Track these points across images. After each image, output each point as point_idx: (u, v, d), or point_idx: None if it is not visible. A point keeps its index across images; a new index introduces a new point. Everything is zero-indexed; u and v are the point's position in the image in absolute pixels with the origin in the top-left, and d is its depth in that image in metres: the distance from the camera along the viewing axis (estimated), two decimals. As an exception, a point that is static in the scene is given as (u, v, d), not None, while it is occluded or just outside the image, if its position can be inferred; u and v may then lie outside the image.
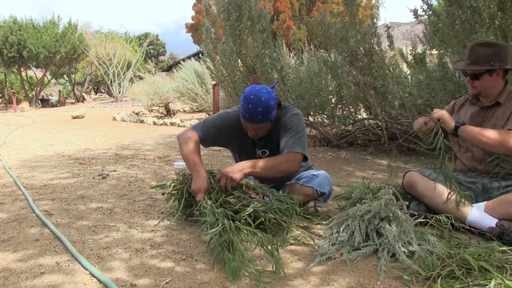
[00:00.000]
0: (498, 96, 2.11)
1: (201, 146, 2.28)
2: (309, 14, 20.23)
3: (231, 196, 2.01)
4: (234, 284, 1.50)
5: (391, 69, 4.18)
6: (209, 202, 1.94)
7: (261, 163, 2.11)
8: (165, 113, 9.67)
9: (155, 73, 16.78)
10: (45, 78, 19.83)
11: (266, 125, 2.18)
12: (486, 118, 2.14)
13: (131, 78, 18.96)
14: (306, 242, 1.89)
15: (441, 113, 2.07)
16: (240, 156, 2.38)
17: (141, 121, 8.60)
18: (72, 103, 19.55)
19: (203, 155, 2.30)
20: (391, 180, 2.84)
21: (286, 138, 2.16)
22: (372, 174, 3.45)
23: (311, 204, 2.34)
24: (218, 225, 1.76)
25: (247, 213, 1.91)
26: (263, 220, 1.93)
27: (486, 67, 2.05)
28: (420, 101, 4.08)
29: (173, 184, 2.20)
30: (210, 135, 2.28)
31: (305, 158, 2.19)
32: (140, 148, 4.96)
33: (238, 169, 2.06)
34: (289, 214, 1.99)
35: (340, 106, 4.78)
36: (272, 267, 1.61)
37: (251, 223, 1.89)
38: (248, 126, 2.17)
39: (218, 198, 2.00)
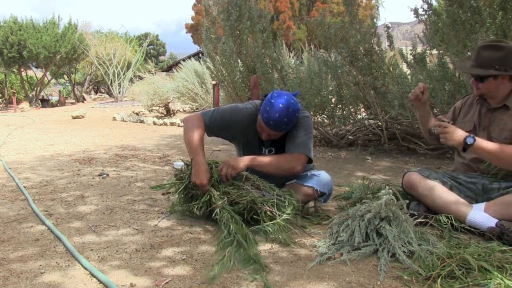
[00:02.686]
0: (506, 99, 2.07)
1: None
2: (309, 14, 20.24)
3: (231, 187, 2.03)
4: (235, 284, 1.50)
5: (391, 69, 4.18)
6: (216, 193, 1.99)
7: (264, 158, 2.14)
8: (165, 113, 9.67)
9: (155, 73, 16.77)
10: (45, 78, 19.82)
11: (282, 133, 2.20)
12: (493, 120, 2.10)
13: (131, 78, 18.96)
14: (306, 243, 1.89)
15: (445, 133, 1.95)
16: (245, 152, 2.37)
17: (141, 121, 8.60)
18: (72, 103, 19.55)
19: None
20: (391, 180, 2.84)
21: (292, 140, 2.18)
22: (372, 174, 3.44)
23: (311, 204, 2.34)
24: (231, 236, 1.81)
25: (244, 201, 1.93)
26: (258, 212, 1.94)
27: (490, 71, 2.00)
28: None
29: (176, 173, 2.22)
30: (216, 126, 2.26)
31: (309, 161, 2.20)
32: (140, 148, 4.96)
33: (241, 160, 2.10)
34: (285, 209, 1.99)
35: (340, 106, 4.77)
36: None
37: (245, 214, 1.96)
38: (266, 130, 2.16)
39: (218, 188, 2.04)
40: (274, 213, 1.95)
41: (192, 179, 2.08)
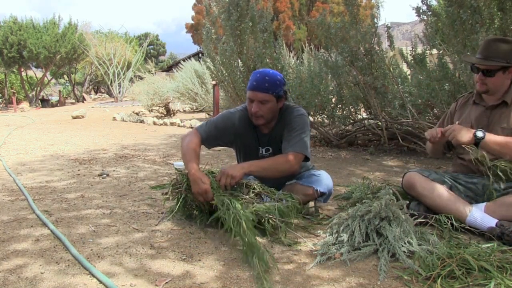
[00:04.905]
0: (504, 95, 2.07)
1: (204, 147, 2.30)
2: (309, 14, 20.23)
3: (230, 197, 2.01)
4: (235, 284, 1.50)
5: (391, 69, 4.18)
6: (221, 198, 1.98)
7: (261, 163, 2.12)
8: (165, 113, 9.67)
9: (155, 73, 16.78)
10: (45, 78, 19.82)
11: (270, 101, 2.15)
12: (492, 119, 2.09)
13: (131, 78, 18.96)
14: (306, 243, 1.89)
15: (455, 136, 1.96)
16: (243, 154, 2.38)
17: (141, 121, 8.60)
18: (72, 103, 19.54)
19: (204, 155, 2.30)
20: (390, 180, 2.84)
21: (288, 138, 2.18)
22: (372, 174, 3.44)
23: (311, 204, 2.34)
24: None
25: (248, 215, 1.91)
26: (262, 221, 1.93)
27: (501, 63, 2.00)
28: (420, 101, 4.08)
29: (172, 183, 2.20)
30: (213, 136, 2.28)
31: (306, 159, 2.19)
32: (140, 148, 4.96)
33: (238, 168, 2.08)
34: (290, 215, 1.98)
35: (340, 106, 4.78)
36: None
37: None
38: (254, 98, 2.15)
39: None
40: (279, 221, 1.93)
41: (193, 190, 2.03)
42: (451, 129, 2.00)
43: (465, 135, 1.95)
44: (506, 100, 2.07)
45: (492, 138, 1.96)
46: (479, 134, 1.94)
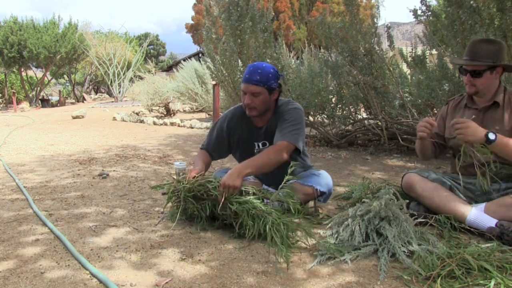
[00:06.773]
0: (495, 96, 2.07)
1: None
2: (309, 14, 20.24)
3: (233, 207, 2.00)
4: (235, 284, 1.50)
5: (391, 69, 4.18)
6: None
7: (254, 161, 2.11)
8: (165, 113, 9.67)
9: (155, 73, 16.78)
10: (45, 78, 19.81)
11: (262, 93, 2.19)
12: (485, 121, 2.07)
13: (131, 78, 18.97)
14: (306, 243, 1.89)
15: (466, 128, 1.89)
16: (240, 151, 2.41)
17: (141, 121, 8.60)
18: (72, 103, 19.55)
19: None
20: (391, 180, 2.84)
21: (280, 129, 2.21)
22: (372, 174, 3.44)
23: (311, 204, 2.34)
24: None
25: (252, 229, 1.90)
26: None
27: (488, 63, 2.00)
28: (420, 101, 4.08)
29: (171, 190, 2.19)
30: (215, 144, 2.40)
31: (298, 152, 2.20)
32: (140, 148, 4.96)
33: (236, 174, 2.02)
34: (289, 220, 1.97)
35: (340, 106, 4.78)
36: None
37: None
38: (246, 90, 2.21)
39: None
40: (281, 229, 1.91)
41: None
42: (463, 124, 1.89)
43: (477, 134, 1.86)
44: (497, 100, 2.06)
45: (504, 140, 1.87)
46: (491, 136, 1.85)
